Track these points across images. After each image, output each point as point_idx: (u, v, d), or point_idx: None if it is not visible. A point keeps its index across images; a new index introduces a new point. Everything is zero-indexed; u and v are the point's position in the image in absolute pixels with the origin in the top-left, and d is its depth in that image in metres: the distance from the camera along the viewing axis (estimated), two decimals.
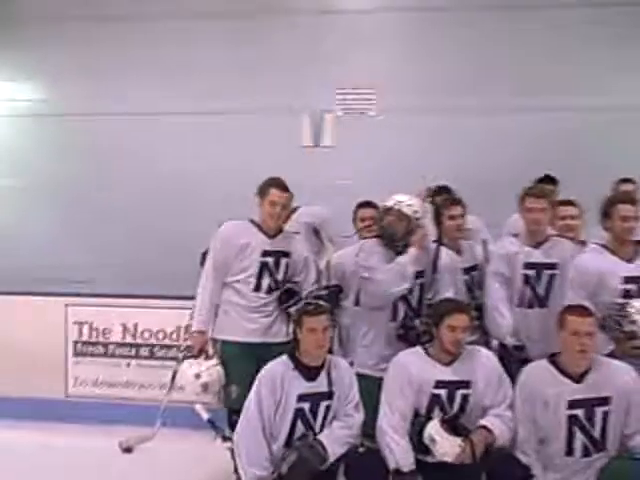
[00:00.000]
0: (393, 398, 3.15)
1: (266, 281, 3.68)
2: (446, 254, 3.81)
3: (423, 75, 5.76)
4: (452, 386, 3.16)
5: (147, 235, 5.74)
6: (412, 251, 3.54)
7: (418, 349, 3.28)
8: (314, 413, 3.09)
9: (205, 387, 3.51)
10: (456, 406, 3.15)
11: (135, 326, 4.92)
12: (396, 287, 3.48)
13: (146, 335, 4.90)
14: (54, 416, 4.71)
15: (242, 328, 3.64)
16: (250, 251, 3.66)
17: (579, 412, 3.05)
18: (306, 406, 3.08)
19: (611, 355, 3.28)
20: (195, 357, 3.64)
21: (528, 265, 3.66)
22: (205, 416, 3.62)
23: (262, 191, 3.71)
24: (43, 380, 4.90)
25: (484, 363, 3.22)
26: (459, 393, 3.16)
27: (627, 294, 3.36)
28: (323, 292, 3.69)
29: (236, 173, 5.50)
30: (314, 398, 3.09)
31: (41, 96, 6.25)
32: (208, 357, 3.65)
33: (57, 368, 4.97)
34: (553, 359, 3.13)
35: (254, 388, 3.06)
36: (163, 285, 4.75)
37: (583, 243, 3.76)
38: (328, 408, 3.12)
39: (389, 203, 3.60)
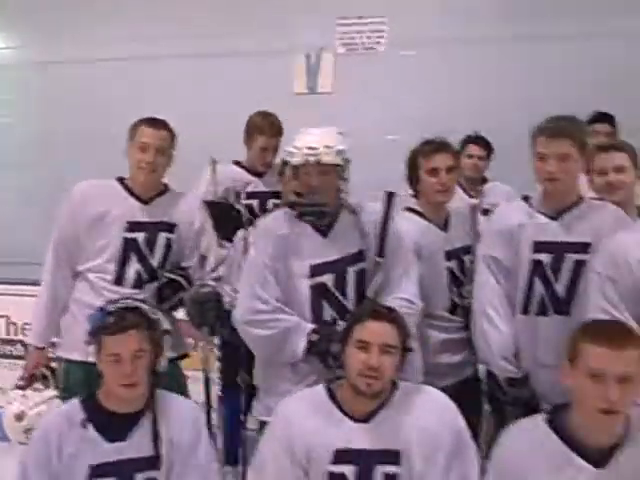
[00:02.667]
0: (261, 468, 1.87)
1: (133, 269, 2.47)
2: (414, 226, 2.50)
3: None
4: (368, 459, 1.84)
5: None
6: None
7: (319, 389, 1.97)
8: None
9: (28, 434, 2.32)
10: None
11: None
12: None
13: None
14: None
15: None
16: (108, 223, 2.45)
17: None
18: None
19: None
20: (24, 386, 2.47)
21: (540, 245, 2.28)
22: None
23: (130, 134, 2.49)
24: None
25: (429, 419, 1.86)
26: (379, 472, 1.83)
27: None
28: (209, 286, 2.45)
29: (217, 127, 4.39)
30: (124, 470, 1.84)
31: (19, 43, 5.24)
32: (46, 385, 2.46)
33: None
34: (557, 420, 1.74)
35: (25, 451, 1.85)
36: None
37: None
38: None
39: (293, 152, 2.24)
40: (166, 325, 1.94)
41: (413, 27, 4.42)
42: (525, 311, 2.30)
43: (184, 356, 2.61)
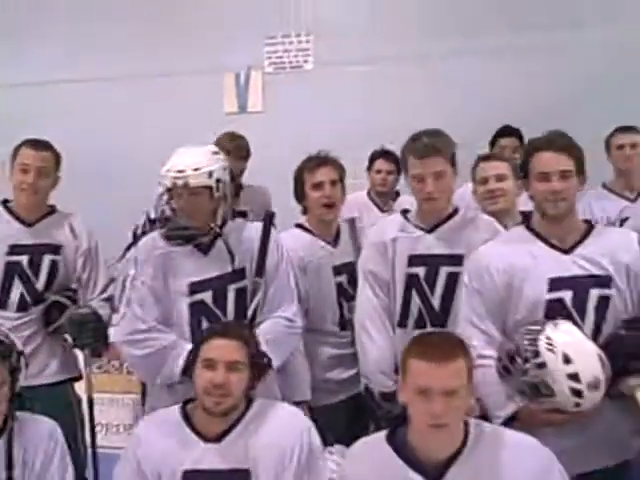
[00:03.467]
0: None
1: (16, 292, 2.46)
2: (300, 242, 2.53)
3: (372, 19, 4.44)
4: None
5: None
6: None
7: (174, 409, 1.96)
8: None
9: None
10: None
11: None
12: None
13: None
14: None
15: None
16: None
17: None
18: None
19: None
20: None
21: (414, 259, 2.29)
22: None
23: (12, 156, 2.50)
24: None
25: (279, 435, 1.86)
26: None
27: (553, 310, 1.95)
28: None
29: (146, 149, 4.32)
30: None
31: None
32: None
33: None
34: (397, 436, 1.73)
35: None
36: None
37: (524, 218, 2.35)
38: None
39: (164, 175, 2.21)
40: (19, 347, 1.92)
41: (340, 45, 4.49)
42: (403, 324, 2.30)
43: (76, 379, 2.60)
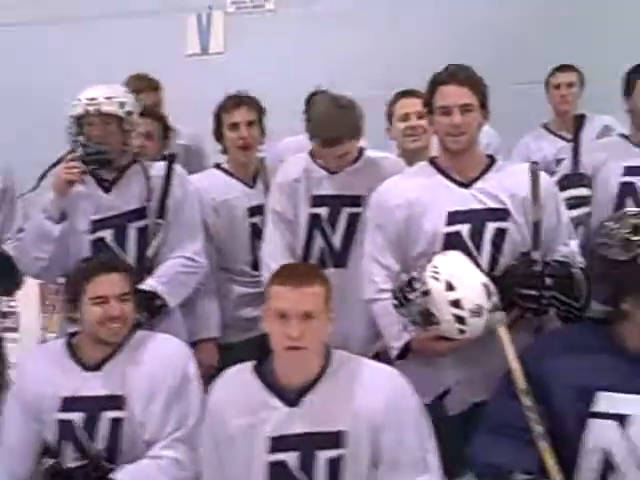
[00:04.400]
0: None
1: None
2: (214, 182, 2.56)
3: None
4: (93, 406, 1.88)
5: None
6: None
7: (59, 341, 2.02)
8: None
9: None
10: (101, 440, 1.88)
11: None
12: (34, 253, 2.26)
13: None
14: None
15: None
16: None
17: (288, 457, 1.70)
18: None
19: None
20: None
21: (317, 199, 2.29)
22: None
23: None
24: None
25: (153, 364, 1.91)
26: (105, 418, 1.88)
27: (451, 243, 1.98)
28: None
29: None
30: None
31: None
32: None
33: None
34: (263, 365, 1.79)
35: None
36: None
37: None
38: None
39: (75, 104, 2.25)
40: None
41: None
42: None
43: None
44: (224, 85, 3.97)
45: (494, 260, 1.98)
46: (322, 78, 4.01)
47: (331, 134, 2.22)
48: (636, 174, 2.38)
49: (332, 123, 2.23)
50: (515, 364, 1.75)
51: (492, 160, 2.09)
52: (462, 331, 1.84)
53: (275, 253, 2.33)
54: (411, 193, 2.03)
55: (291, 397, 1.71)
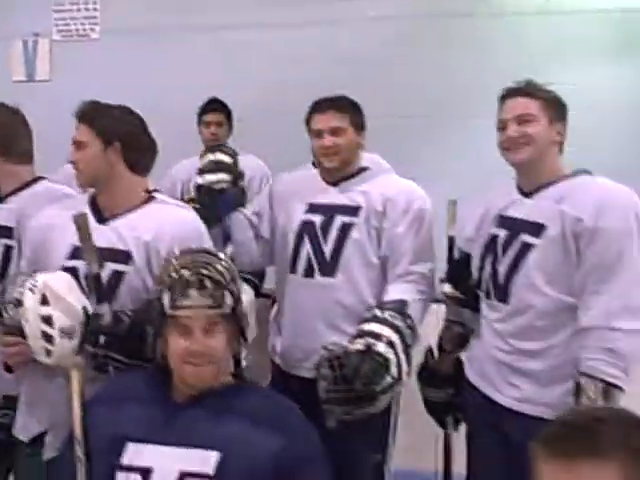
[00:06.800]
0: None
1: None
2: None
3: None
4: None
5: None
6: None
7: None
8: None
9: None
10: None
11: None
12: None
13: None
14: None
15: None
16: None
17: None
18: None
19: None
20: None
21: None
22: None
23: None
24: None
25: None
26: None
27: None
28: None
29: None
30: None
31: None
32: None
33: None
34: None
35: None
36: None
37: None
38: None
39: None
40: None
41: (128, 13, 4.49)
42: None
43: None
44: (49, 112, 4.14)
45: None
46: (147, 105, 4.21)
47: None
48: None
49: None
50: (77, 411, 1.51)
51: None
52: (48, 351, 1.74)
53: None
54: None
55: None
